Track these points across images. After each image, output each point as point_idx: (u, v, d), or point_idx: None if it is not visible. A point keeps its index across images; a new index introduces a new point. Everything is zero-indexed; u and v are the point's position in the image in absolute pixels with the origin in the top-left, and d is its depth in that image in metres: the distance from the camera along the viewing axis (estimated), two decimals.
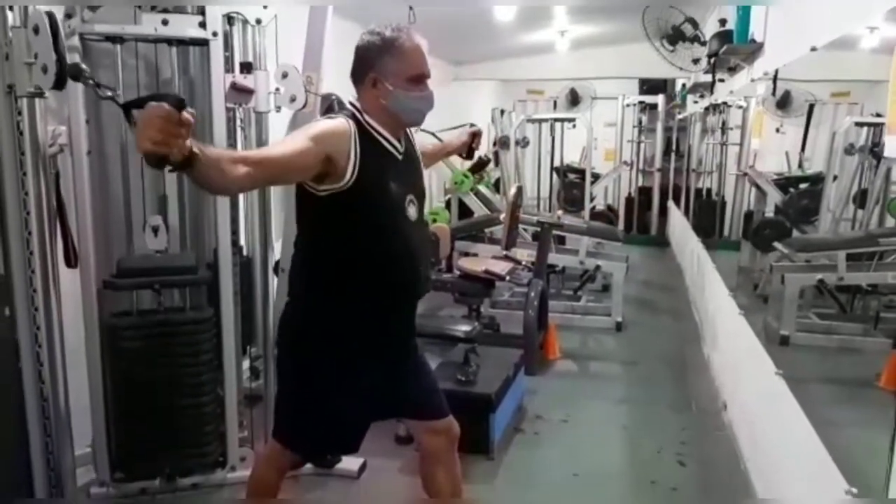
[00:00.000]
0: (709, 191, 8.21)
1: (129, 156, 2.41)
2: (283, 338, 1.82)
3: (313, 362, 1.74)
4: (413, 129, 1.86)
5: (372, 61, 1.66)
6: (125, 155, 2.42)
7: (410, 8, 2.81)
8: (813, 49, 2.34)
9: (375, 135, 1.67)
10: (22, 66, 1.46)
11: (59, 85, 1.38)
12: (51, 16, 1.35)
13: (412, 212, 1.74)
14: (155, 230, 2.38)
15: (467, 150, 2.27)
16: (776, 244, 4.90)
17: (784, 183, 6.38)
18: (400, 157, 1.73)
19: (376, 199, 1.63)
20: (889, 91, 1.58)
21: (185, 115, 1.14)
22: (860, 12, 1.99)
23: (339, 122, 1.62)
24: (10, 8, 1.44)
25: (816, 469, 1.78)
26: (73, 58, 1.44)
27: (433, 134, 2.57)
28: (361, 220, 1.64)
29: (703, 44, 4.41)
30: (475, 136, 2.26)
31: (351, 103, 1.72)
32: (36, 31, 1.37)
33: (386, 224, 1.68)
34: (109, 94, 1.26)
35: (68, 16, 1.82)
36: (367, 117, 1.68)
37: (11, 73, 1.48)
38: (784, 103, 7.57)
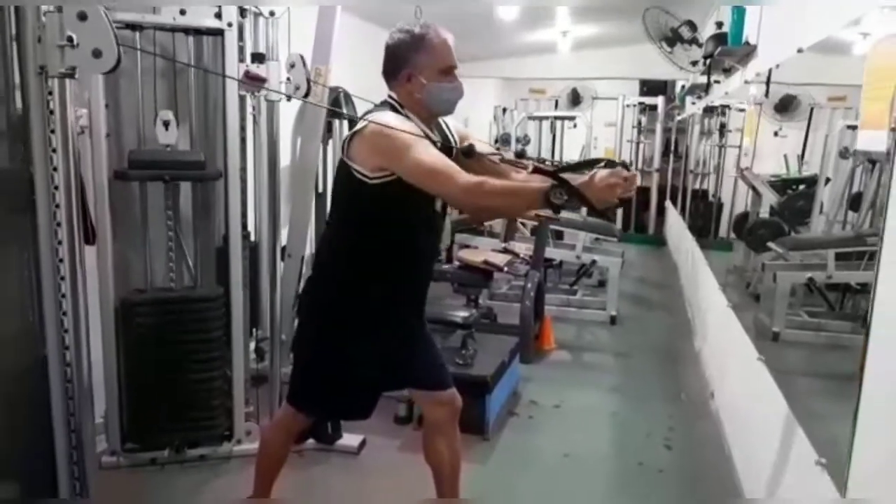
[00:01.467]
0: (705, 192, 8.32)
1: (146, 139, 2.53)
2: (308, 307, 1.94)
3: (339, 331, 1.86)
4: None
5: (405, 58, 1.76)
6: (141, 139, 2.53)
7: (417, 6, 2.91)
8: (799, 51, 2.44)
9: (418, 128, 1.76)
10: (54, 48, 1.55)
11: (115, 68, 1.50)
12: (102, 6, 1.47)
13: (439, 203, 1.85)
14: (166, 124, 2.46)
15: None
16: (770, 244, 5.01)
17: (781, 185, 6.49)
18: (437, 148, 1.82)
19: (416, 189, 1.69)
20: (863, 88, 1.70)
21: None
22: (843, 14, 2.09)
23: (402, 118, 1.73)
24: None
25: (790, 442, 1.89)
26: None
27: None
28: (400, 206, 1.74)
29: (701, 46, 4.51)
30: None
31: (390, 97, 1.82)
32: (83, 17, 1.48)
33: (419, 212, 1.81)
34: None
35: None
36: (408, 112, 1.78)
37: (44, 55, 1.57)
38: (786, 107, 7.68)
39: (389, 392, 2.19)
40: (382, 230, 1.78)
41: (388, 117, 1.72)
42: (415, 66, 1.75)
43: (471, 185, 1.59)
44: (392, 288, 1.86)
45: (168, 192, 2.54)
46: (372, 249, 1.80)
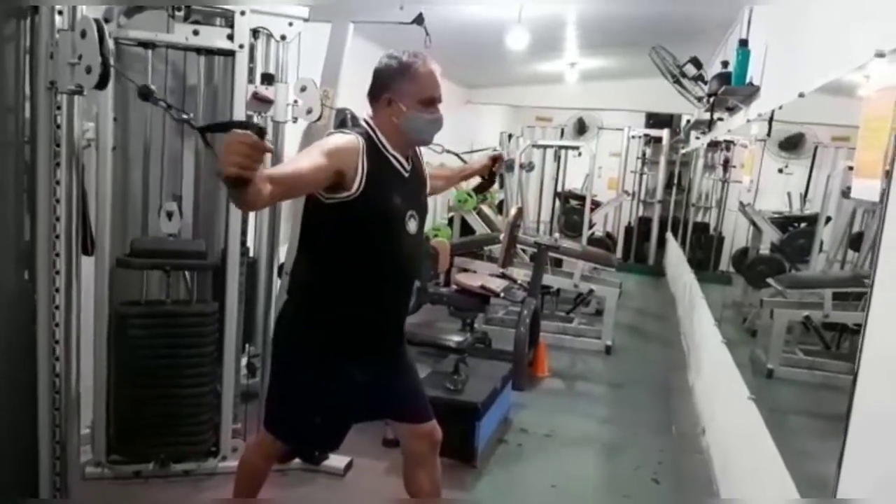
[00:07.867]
0: (706, 225, 8.35)
1: (151, 155, 2.56)
2: (279, 334, 1.93)
3: (306, 360, 1.84)
4: (433, 149, 1.98)
5: (388, 83, 1.79)
6: (147, 154, 2.56)
7: (427, 33, 2.95)
8: (801, 95, 2.48)
9: (385, 151, 1.80)
10: (65, 65, 1.59)
11: (101, 85, 1.53)
12: (98, 22, 1.51)
13: (412, 226, 1.84)
14: (169, 215, 2.51)
15: (488, 172, 2.32)
16: (770, 280, 5.01)
17: (783, 222, 6.51)
18: (406, 173, 1.84)
19: (378, 211, 1.72)
20: (859, 137, 1.72)
21: (267, 143, 1.29)
22: (845, 61, 2.11)
23: (350, 138, 1.73)
24: (60, 12, 1.59)
25: (775, 482, 1.88)
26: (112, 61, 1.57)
27: (457, 155, 2.55)
28: (362, 228, 1.75)
29: (706, 83, 4.56)
30: (496, 160, 2.31)
31: (366, 120, 1.84)
32: (83, 35, 1.52)
33: (385, 234, 1.79)
34: (185, 117, 1.38)
35: (106, 21, 1.98)
36: (379, 134, 1.79)
37: (55, 71, 1.61)
38: (795, 145, 7.72)
39: (367, 421, 2.16)
40: (349, 255, 1.75)
41: (335, 138, 1.72)
42: (396, 92, 1.77)
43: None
44: (365, 315, 1.83)
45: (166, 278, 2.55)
46: (340, 276, 1.79)
